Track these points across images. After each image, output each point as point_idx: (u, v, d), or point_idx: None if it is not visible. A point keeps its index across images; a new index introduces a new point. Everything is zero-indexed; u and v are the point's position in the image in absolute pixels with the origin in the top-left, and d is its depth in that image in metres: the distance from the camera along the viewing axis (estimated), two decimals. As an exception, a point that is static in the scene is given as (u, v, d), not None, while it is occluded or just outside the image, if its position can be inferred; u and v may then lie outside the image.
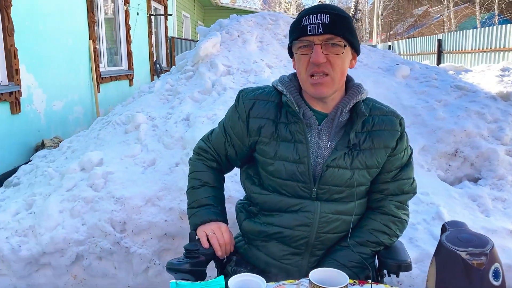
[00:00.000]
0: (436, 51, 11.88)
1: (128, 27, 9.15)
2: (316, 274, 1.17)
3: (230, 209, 1.76)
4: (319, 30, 1.39)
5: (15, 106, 4.95)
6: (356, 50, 1.53)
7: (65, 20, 6.28)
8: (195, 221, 1.62)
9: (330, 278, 1.16)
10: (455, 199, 2.94)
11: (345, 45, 1.43)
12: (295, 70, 1.58)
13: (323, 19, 1.40)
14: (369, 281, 1.45)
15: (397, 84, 3.55)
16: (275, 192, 1.59)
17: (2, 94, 4.66)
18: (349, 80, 1.60)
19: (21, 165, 3.65)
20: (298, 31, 1.45)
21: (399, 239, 1.71)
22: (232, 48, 3.56)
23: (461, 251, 1.11)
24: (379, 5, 35.56)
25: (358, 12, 13.89)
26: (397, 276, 1.61)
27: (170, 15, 12.58)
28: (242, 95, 1.64)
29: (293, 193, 1.54)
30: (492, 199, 2.94)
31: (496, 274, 1.10)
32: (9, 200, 2.98)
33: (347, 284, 1.12)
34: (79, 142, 3.49)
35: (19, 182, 3.31)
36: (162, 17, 12.50)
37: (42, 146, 5.16)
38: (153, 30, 11.33)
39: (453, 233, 1.19)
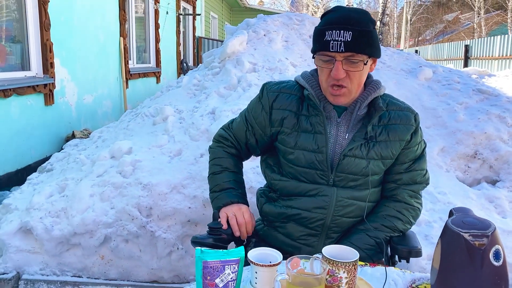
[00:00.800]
0: (463, 57, 11.76)
1: (157, 26, 9.38)
2: (329, 249, 1.26)
3: (251, 199, 1.87)
4: (341, 48, 1.46)
5: (49, 97, 5.18)
6: (376, 57, 1.59)
7: (97, 16, 6.51)
8: (218, 204, 1.73)
9: (342, 253, 1.26)
10: (472, 199, 2.99)
11: (365, 63, 1.52)
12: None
13: (346, 36, 1.46)
14: (382, 260, 1.54)
15: (419, 86, 3.61)
16: (294, 178, 1.70)
17: (37, 85, 4.89)
18: (368, 76, 1.67)
19: (53, 154, 3.83)
20: (320, 44, 1.52)
21: (412, 228, 1.80)
22: (258, 46, 3.68)
23: (464, 232, 1.19)
24: (408, 10, 35.17)
25: (386, 16, 13.85)
26: (408, 261, 1.69)
27: (199, 15, 12.80)
28: (267, 87, 1.75)
29: (312, 179, 1.64)
30: (510, 201, 2.98)
31: (497, 255, 1.18)
32: (43, 184, 3.15)
33: (357, 259, 1.22)
34: (109, 132, 3.65)
35: (52, 168, 3.49)
36: (191, 17, 12.73)
37: (72, 137, 5.37)
38: (181, 29, 11.56)
39: (459, 217, 1.27)
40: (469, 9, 32.82)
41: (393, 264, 1.77)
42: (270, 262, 1.22)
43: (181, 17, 11.31)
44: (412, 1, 35.88)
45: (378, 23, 13.67)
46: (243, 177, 1.88)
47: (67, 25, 5.60)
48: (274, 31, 3.88)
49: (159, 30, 9.48)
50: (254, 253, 1.26)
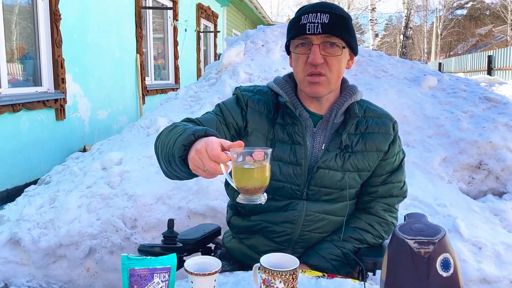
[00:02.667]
0: (486, 68, 11.42)
1: (176, 43, 9.50)
2: (268, 257, 1.18)
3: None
4: (318, 30, 1.38)
5: (60, 112, 5.27)
6: (353, 51, 1.52)
7: (113, 33, 6.63)
8: (178, 152, 1.19)
9: (281, 262, 1.17)
10: (475, 212, 2.82)
11: (343, 47, 1.43)
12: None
13: (323, 18, 1.39)
14: (338, 276, 1.44)
15: (421, 95, 3.48)
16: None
17: (47, 100, 4.99)
18: (344, 81, 1.60)
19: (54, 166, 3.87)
20: (296, 29, 1.44)
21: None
22: (255, 56, 3.64)
23: (410, 239, 1.09)
24: (439, 25, 34.64)
25: (409, 29, 13.63)
26: (374, 274, 1.58)
27: (219, 32, 12.92)
28: (240, 88, 1.63)
29: (285, 194, 1.53)
30: (516, 214, 2.80)
31: (446, 265, 1.07)
32: (38, 196, 3.17)
33: (295, 268, 1.13)
34: (108, 144, 3.66)
35: (50, 180, 3.51)
36: (212, 34, 12.86)
37: (84, 151, 5.43)
38: (202, 47, 11.67)
39: (408, 224, 1.16)
40: (502, 22, 32.16)
41: (362, 277, 1.66)
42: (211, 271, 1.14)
43: (201, 34, 11.43)
44: (442, 15, 35.38)
45: (401, 36, 13.46)
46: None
47: (80, 42, 5.72)
48: (273, 41, 3.84)
49: (178, 47, 9.60)
50: (192, 262, 1.19)
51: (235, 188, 1.05)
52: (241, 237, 1.67)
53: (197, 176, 1.19)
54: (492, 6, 36.19)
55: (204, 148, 1.05)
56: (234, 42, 3.87)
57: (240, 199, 1.05)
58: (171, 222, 1.58)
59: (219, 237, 1.87)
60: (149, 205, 2.65)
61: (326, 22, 1.38)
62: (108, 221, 2.64)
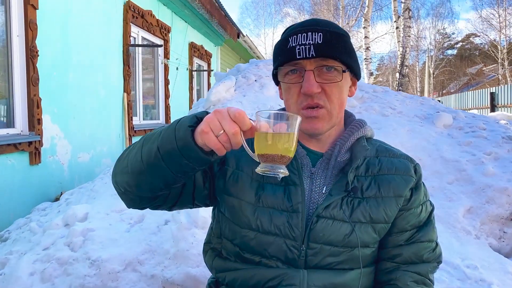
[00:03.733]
0: (489, 105, 11.16)
1: (167, 82, 9.16)
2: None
3: None
4: (311, 53, 1.14)
5: (35, 156, 4.81)
6: (356, 75, 1.27)
7: (98, 72, 6.27)
8: (184, 132, 1.01)
9: None
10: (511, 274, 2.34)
11: (343, 71, 1.18)
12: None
13: (315, 38, 1.15)
14: None
15: (436, 134, 3.05)
16: (249, 262, 1.21)
17: (19, 143, 4.53)
18: (348, 115, 1.36)
19: (16, 220, 3.37)
20: (284, 54, 1.19)
21: None
22: (248, 93, 3.23)
23: None
24: (430, 64, 35.29)
25: (405, 68, 13.48)
26: None
27: (212, 70, 12.67)
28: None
29: (277, 254, 1.19)
30: (562, 277, 2.32)
31: None
32: (-11, 258, 2.66)
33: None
34: (79, 194, 3.19)
35: (8, 237, 3.01)
36: (206, 73, 12.60)
37: (58, 200, 4.94)
38: (195, 85, 11.38)
39: None
40: (493, 61, 32.68)
41: None
42: None
43: (194, 73, 11.15)
44: (434, 55, 36.18)
45: (397, 74, 13.30)
46: None
47: (60, 80, 5.33)
48: (267, 76, 3.44)
49: (169, 85, 9.26)
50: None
51: (255, 157, 0.98)
52: None
53: (187, 171, 1.06)
54: (481, 46, 37.02)
55: (225, 109, 0.94)
56: (224, 77, 3.47)
57: (261, 168, 0.97)
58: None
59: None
60: (115, 273, 2.15)
61: (319, 42, 1.15)
62: (65, 294, 2.14)
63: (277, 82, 1.31)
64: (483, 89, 12.34)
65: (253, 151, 0.99)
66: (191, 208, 1.37)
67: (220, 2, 10.90)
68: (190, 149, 1.00)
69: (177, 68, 9.73)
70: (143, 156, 1.08)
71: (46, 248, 2.41)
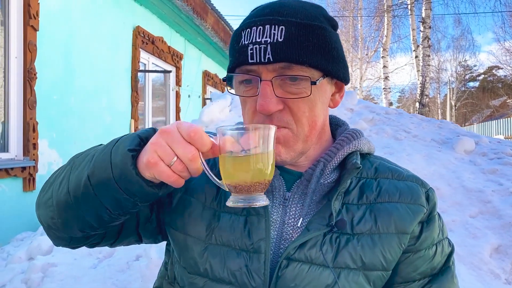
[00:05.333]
0: (516, 135, 10.70)
1: (178, 109, 9.00)
2: None
3: None
4: (267, 56, 0.84)
5: (29, 182, 4.61)
6: (340, 78, 0.94)
7: (103, 97, 6.12)
8: (122, 158, 0.78)
9: None
10: (551, 330, 1.94)
11: (312, 82, 0.86)
12: None
13: (274, 34, 0.84)
14: None
15: (457, 161, 2.70)
16: None
17: (11, 169, 4.32)
18: (338, 124, 1.06)
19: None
20: (235, 54, 0.89)
21: None
22: (245, 114, 2.94)
23: None
24: (452, 96, 34.92)
25: (425, 97, 13.11)
26: None
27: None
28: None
29: None
30: None
31: None
32: None
33: None
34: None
35: (-23, 270, 2.72)
36: (219, 102, 12.47)
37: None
38: (208, 113, 11.20)
39: None
40: (516, 93, 32.15)
41: None
42: None
43: (207, 101, 11.01)
44: (455, 87, 35.89)
45: (417, 104, 12.96)
46: None
47: (61, 105, 5.16)
48: (267, 96, 3.15)
49: (180, 113, 9.09)
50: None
51: (223, 186, 0.76)
52: None
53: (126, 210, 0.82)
54: (505, 78, 36.58)
55: (175, 128, 0.71)
56: (220, 96, 3.20)
57: (232, 201, 0.75)
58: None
59: None
60: (73, 318, 1.83)
61: (279, 40, 0.84)
62: None
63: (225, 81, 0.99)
64: (508, 119, 11.87)
65: (219, 177, 0.77)
66: (139, 244, 1.07)
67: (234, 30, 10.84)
68: (131, 181, 0.74)
69: (189, 96, 9.58)
70: (70, 186, 0.83)
71: (3, 285, 2.10)
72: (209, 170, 0.74)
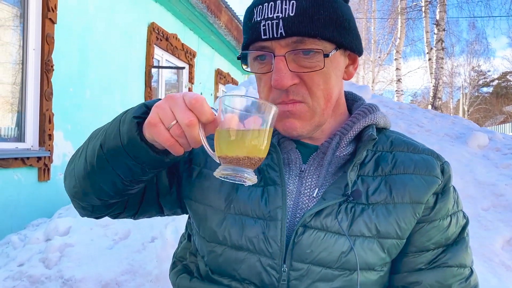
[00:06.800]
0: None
1: (190, 106, 9.05)
2: None
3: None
4: (279, 31, 0.85)
5: (44, 172, 4.67)
6: (353, 50, 0.95)
7: (117, 91, 6.18)
8: (129, 127, 0.81)
9: None
10: None
11: (326, 53, 0.87)
12: None
13: (285, 9, 0.85)
14: None
15: (470, 155, 2.70)
16: (217, 285, 0.94)
17: (27, 158, 4.39)
18: (355, 99, 1.07)
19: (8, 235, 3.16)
20: (248, 31, 0.91)
21: None
22: (259, 105, 2.97)
23: None
24: (465, 102, 34.65)
25: (438, 100, 13.04)
26: None
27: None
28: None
29: (249, 276, 0.91)
30: None
31: None
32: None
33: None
34: (73, 208, 2.95)
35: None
36: (232, 100, 12.51)
37: (66, 218, 4.74)
38: (220, 111, 11.26)
39: None
40: (531, 98, 31.83)
41: None
42: None
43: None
44: (468, 92, 35.60)
45: (429, 107, 12.89)
46: None
47: (76, 97, 5.23)
48: (281, 88, 3.18)
49: (192, 110, 9.15)
50: None
51: (215, 158, 0.75)
52: None
53: (139, 176, 0.85)
54: (519, 84, 36.31)
55: (180, 95, 0.73)
56: (235, 88, 3.23)
57: (219, 171, 0.73)
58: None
59: None
60: (89, 295, 1.87)
61: (291, 14, 0.85)
62: (32, 316, 1.87)
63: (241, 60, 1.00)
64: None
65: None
66: (161, 216, 1.10)
67: (248, 29, 10.87)
68: (136, 146, 0.78)
69: (201, 93, 9.63)
70: (87, 156, 0.88)
71: (21, 264, 2.16)
72: (205, 140, 0.74)
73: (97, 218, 1.03)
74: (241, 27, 10.31)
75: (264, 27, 0.86)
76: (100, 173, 0.85)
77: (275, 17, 0.85)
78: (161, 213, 1.07)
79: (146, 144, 0.77)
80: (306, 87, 0.89)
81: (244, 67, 0.98)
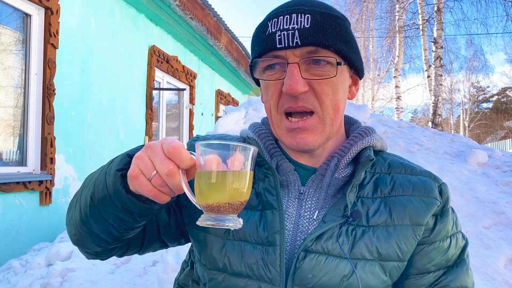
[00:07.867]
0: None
1: (191, 127, 9.09)
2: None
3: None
4: (295, 40, 0.88)
5: (45, 196, 4.67)
6: (356, 70, 1.00)
7: (118, 113, 6.22)
8: (113, 180, 0.82)
9: None
10: None
11: (338, 63, 0.91)
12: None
13: (301, 22, 0.89)
14: None
15: (469, 173, 2.71)
16: None
17: (29, 182, 4.40)
18: (351, 122, 1.11)
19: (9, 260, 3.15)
20: (262, 42, 0.93)
21: None
22: (259, 126, 2.99)
23: None
24: (465, 117, 34.70)
25: (438, 116, 13.09)
26: None
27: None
28: (198, 137, 1.11)
29: None
30: None
31: None
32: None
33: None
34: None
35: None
36: (232, 121, 12.55)
37: (68, 241, 4.73)
38: (221, 132, 11.29)
39: None
40: (531, 114, 31.89)
41: None
42: None
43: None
44: (468, 108, 35.68)
45: (429, 123, 12.92)
46: None
47: (78, 120, 5.26)
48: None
49: (193, 131, 9.18)
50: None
51: (197, 205, 0.73)
52: None
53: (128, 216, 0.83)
54: (519, 99, 36.44)
55: (159, 143, 0.73)
56: (235, 109, 3.26)
57: (202, 221, 0.72)
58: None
59: None
60: (91, 321, 1.86)
61: (306, 26, 0.89)
62: None
63: (256, 80, 1.03)
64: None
65: None
66: (166, 248, 1.12)
67: (247, 50, 10.97)
68: (123, 198, 0.78)
69: (202, 114, 9.68)
70: (81, 207, 0.89)
71: (22, 290, 2.15)
72: (187, 188, 0.73)
73: (102, 259, 1.04)
74: (241, 49, 10.43)
75: (279, 37, 0.89)
76: (95, 222, 0.86)
77: (290, 28, 0.89)
78: (165, 246, 1.08)
79: (132, 195, 0.78)
80: (316, 96, 0.91)
81: (257, 73, 0.99)
